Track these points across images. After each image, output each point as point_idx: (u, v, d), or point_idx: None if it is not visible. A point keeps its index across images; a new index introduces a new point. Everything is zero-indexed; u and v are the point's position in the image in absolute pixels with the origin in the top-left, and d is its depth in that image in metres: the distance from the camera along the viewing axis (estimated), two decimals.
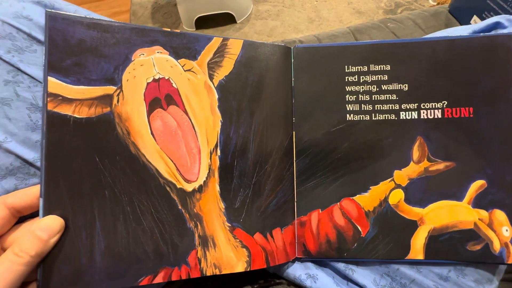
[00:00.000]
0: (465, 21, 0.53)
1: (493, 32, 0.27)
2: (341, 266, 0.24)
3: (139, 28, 0.22)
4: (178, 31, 0.23)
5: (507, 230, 0.23)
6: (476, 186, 0.23)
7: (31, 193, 0.19)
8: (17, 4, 0.22)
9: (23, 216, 0.20)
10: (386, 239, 0.24)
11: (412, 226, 0.23)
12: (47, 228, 0.18)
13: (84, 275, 0.19)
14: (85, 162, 0.20)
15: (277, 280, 0.25)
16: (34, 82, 0.21)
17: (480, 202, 0.23)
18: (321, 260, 0.24)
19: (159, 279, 0.21)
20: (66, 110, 0.20)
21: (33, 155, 0.20)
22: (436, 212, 0.23)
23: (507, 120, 0.23)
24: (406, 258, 0.23)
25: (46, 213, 0.19)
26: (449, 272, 0.23)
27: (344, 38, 0.48)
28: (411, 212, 0.24)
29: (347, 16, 0.68)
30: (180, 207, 0.21)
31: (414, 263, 0.24)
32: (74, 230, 0.19)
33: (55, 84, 0.20)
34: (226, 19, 0.72)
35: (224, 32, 0.72)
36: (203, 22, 0.72)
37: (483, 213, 0.23)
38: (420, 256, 0.23)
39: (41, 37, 0.22)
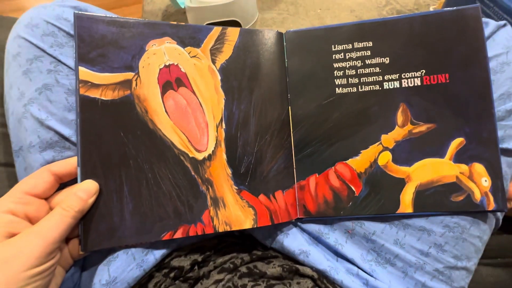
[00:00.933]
0: None
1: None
2: (331, 241, 0.26)
3: (150, 23, 0.26)
4: (183, 23, 0.27)
5: (486, 181, 0.25)
6: (456, 143, 0.26)
7: (70, 163, 0.23)
8: (59, 8, 0.26)
9: (62, 184, 0.23)
10: (377, 196, 0.26)
11: (400, 183, 0.26)
12: (86, 189, 0.22)
13: (117, 231, 0.23)
14: (113, 137, 0.23)
15: (273, 253, 0.28)
16: (71, 71, 0.25)
17: (460, 157, 0.26)
18: (321, 218, 0.27)
19: (178, 234, 0.24)
20: (94, 93, 0.23)
21: (68, 131, 0.24)
22: (421, 169, 0.26)
23: (480, 83, 0.26)
24: (397, 212, 0.26)
25: (83, 179, 0.22)
26: (429, 249, 0.25)
27: None
28: (398, 171, 0.26)
29: None
30: (193, 173, 0.25)
31: (405, 216, 0.26)
32: (106, 193, 0.23)
33: (85, 73, 0.23)
34: (233, 26, 0.73)
35: None
36: None
37: (464, 167, 0.25)
38: (409, 209, 0.26)
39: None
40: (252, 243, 0.28)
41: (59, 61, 0.25)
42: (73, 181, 0.23)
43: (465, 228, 0.25)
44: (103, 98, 0.24)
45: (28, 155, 0.24)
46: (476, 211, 0.25)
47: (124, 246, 0.24)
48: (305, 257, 0.26)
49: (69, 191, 0.22)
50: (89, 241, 0.22)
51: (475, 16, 0.26)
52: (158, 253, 0.24)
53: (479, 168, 0.25)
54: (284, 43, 0.29)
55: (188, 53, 0.26)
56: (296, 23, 0.68)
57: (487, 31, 0.28)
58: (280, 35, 0.29)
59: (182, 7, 0.58)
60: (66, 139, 0.24)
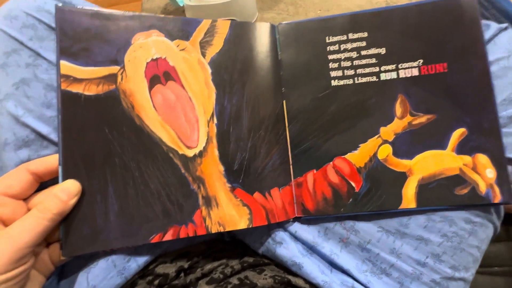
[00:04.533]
0: None
1: None
2: (326, 251, 0.25)
3: (136, 15, 0.25)
4: (171, 16, 0.26)
5: (490, 172, 0.24)
6: (457, 134, 0.25)
7: (50, 161, 0.21)
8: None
9: (43, 183, 0.22)
10: (379, 192, 0.25)
11: (402, 177, 0.25)
12: (67, 190, 0.20)
13: (101, 234, 0.21)
14: (97, 134, 0.22)
15: (266, 260, 0.26)
16: (52, 66, 0.24)
17: (462, 148, 0.25)
18: (321, 217, 0.26)
19: (168, 236, 0.22)
20: (77, 88, 0.22)
21: (47, 129, 0.23)
22: (423, 162, 0.25)
23: (478, 72, 0.25)
24: (400, 208, 0.25)
25: (64, 179, 0.21)
26: (426, 258, 0.24)
27: None
28: (399, 164, 0.25)
29: None
30: (183, 171, 0.23)
31: (408, 212, 0.25)
32: (89, 194, 0.21)
33: (67, 67, 0.22)
34: None
35: None
36: None
37: (467, 159, 0.24)
38: (413, 204, 0.25)
39: None
40: (243, 249, 0.27)
41: (39, 54, 0.23)
42: (55, 180, 0.22)
43: (463, 238, 0.24)
44: (86, 93, 0.22)
45: (3, 153, 0.22)
46: (481, 204, 0.24)
47: (109, 250, 0.22)
48: (298, 269, 0.24)
49: (48, 192, 0.21)
50: (70, 245, 0.20)
51: (471, 5, 0.26)
52: (141, 260, 0.23)
53: (483, 159, 0.24)
54: (277, 36, 0.28)
55: (177, 46, 0.25)
56: None
57: (488, 34, 0.27)
58: (272, 28, 0.28)
59: (181, 5, 0.57)
60: (44, 137, 0.23)
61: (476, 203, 0.24)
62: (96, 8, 0.24)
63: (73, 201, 0.20)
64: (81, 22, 0.23)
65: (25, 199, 0.21)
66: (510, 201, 0.24)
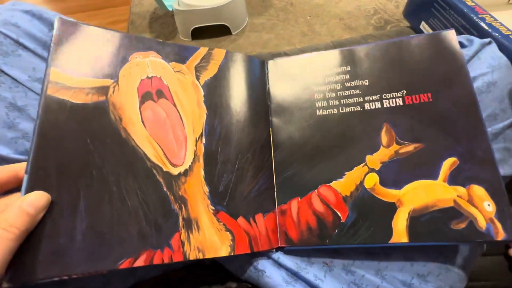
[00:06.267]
0: (416, 25, 0.59)
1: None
2: (311, 277, 0.23)
3: (138, 37, 0.26)
4: (170, 42, 0.28)
5: (489, 205, 0.22)
6: (449, 163, 0.24)
7: (12, 169, 0.20)
8: (7, 13, 0.24)
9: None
10: (367, 223, 0.24)
11: (391, 208, 0.24)
12: (35, 203, 0.17)
13: (62, 257, 0.18)
14: (76, 143, 0.21)
15: (250, 285, 0.25)
16: (15, 83, 0.23)
17: (455, 179, 0.23)
18: (304, 248, 0.25)
19: (140, 262, 0.20)
20: (64, 95, 0.22)
21: (7, 150, 0.22)
22: (413, 192, 0.24)
23: (465, 101, 0.25)
24: (390, 242, 0.23)
25: (29, 190, 0.18)
26: (412, 279, 0.23)
27: None
28: (388, 194, 0.24)
29: (338, 32, 0.68)
30: (165, 189, 0.23)
31: (400, 247, 0.23)
32: (56, 208, 0.19)
33: (57, 74, 0.22)
34: (222, 30, 0.73)
35: (220, 43, 0.72)
36: (200, 33, 0.73)
37: (461, 190, 0.23)
38: (404, 239, 0.23)
39: (27, 43, 0.23)
40: (225, 273, 0.26)
41: (2, 71, 0.22)
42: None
43: (448, 258, 0.23)
44: (73, 100, 0.22)
45: None
46: (483, 241, 0.22)
47: (70, 277, 0.19)
48: None
49: (12, 205, 0.17)
50: (22, 268, 0.17)
51: (452, 38, 0.26)
52: None
53: (479, 190, 0.23)
54: (266, 71, 0.30)
55: (172, 68, 0.26)
56: (286, 29, 0.68)
57: (472, 49, 0.27)
58: (263, 63, 0.30)
59: (170, 10, 0.59)
60: (3, 159, 0.21)
61: (476, 239, 0.22)
62: (101, 28, 0.25)
63: (40, 215, 0.18)
64: (82, 35, 0.24)
65: None
66: None
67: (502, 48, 0.37)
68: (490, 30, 0.40)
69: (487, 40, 0.28)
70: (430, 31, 0.56)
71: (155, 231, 0.21)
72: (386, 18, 0.70)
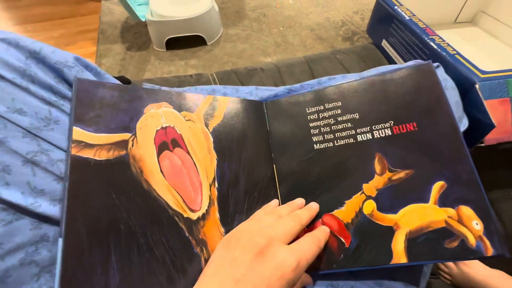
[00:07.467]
0: (378, 42, 0.64)
1: (412, 63, 0.34)
2: None
3: (150, 89, 0.28)
4: (180, 92, 0.30)
5: (477, 224, 0.24)
6: (437, 187, 0.26)
7: None
8: None
9: None
10: (368, 247, 0.26)
11: (389, 232, 0.26)
12: None
13: None
14: (103, 199, 0.22)
15: None
16: None
17: (445, 201, 0.26)
18: (313, 273, 0.27)
19: None
20: (88, 154, 0.23)
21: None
22: (408, 216, 0.26)
23: (447, 127, 0.27)
24: (391, 263, 0.25)
25: (66, 253, 0.19)
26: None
27: (300, 67, 0.57)
28: (385, 219, 0.27)
29: (310, 42, 0.72)
30: (187, 234, 0.25)
31: (402, 268, 0.25)
32: (90, 266, 0.20)
33: (80, 133, 0.23)
34: (197, 40, 0.73)
35: (195, 53, 0.72)
36: (174, 43, 0.72)
37: (451, 211, 0.25)
38: (404, 259, 0.25)
39: (5, 73, 0.22)
40: None
41: None
42: None
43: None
44: (96, 158, 0.23)
45: None
46: (475, 258, 0.24)
47: None
48: None
49: None
50: None
51: (430, 70, 0.29)
52: None
53: (467, 211, 0.25)
54: (265, 111, 0.33)
55: (184, 117, 0.29)
56: (260, 40, 0.71)
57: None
58: (260, 104, 0.33)
59: (143, 20, 0.57)
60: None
61: (468, 257, 0.24)
62: (115, 83, 0.28)
63: None
64: (98, 92, 0.25)
65: None
66: (503, 254, 0.23)
67: (448, 66, 0.42)
68: (439, 50, 0.45)
69: (435, 64, 0.32)
70: (391, 48, 0.60)
71: (182, 276, 0.23)
72: (353, 29, 0.74)
